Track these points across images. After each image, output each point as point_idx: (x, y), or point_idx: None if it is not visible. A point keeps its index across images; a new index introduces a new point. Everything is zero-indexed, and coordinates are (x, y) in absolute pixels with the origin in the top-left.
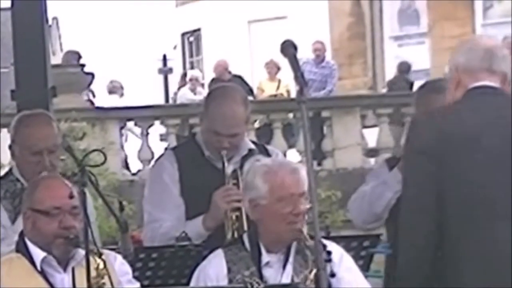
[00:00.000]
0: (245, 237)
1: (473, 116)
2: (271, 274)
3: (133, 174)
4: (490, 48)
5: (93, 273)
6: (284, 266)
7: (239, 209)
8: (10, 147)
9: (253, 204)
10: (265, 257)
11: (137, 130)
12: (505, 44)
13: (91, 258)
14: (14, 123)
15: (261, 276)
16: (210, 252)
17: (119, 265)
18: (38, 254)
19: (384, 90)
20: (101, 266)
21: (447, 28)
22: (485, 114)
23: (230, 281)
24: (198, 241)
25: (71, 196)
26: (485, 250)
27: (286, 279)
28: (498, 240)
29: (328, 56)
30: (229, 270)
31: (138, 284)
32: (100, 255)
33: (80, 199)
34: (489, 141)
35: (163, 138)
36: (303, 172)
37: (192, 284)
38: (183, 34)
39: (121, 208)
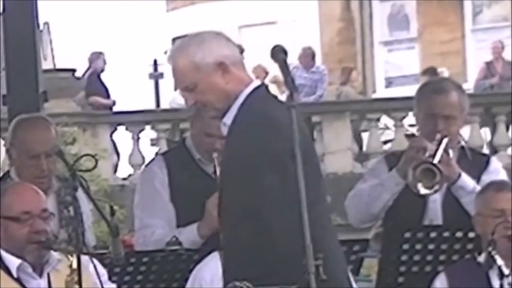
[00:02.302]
0: None
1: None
2: None
3: (124, 179)
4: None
5: (67, 271)
6: None
7: None
8: (7, 150)
9: None
10: None
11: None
12: None
13: (63, 257)
14: (12, 126)
15: None
16: (201, 256)
17: (94, 266)
18: (13, 261)
19: (373, 95)
20: (74, 264)
21: (437, 33)
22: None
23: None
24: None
25: (40, 200)
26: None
27: None
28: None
29: (318, 61)
30: None
31: (114, 285)
32: (71, 253)
33: (74, 203)
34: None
35: (153, 143)
36: None
37: (188, 286)
38: (174, 39)
39: (112, 213)
